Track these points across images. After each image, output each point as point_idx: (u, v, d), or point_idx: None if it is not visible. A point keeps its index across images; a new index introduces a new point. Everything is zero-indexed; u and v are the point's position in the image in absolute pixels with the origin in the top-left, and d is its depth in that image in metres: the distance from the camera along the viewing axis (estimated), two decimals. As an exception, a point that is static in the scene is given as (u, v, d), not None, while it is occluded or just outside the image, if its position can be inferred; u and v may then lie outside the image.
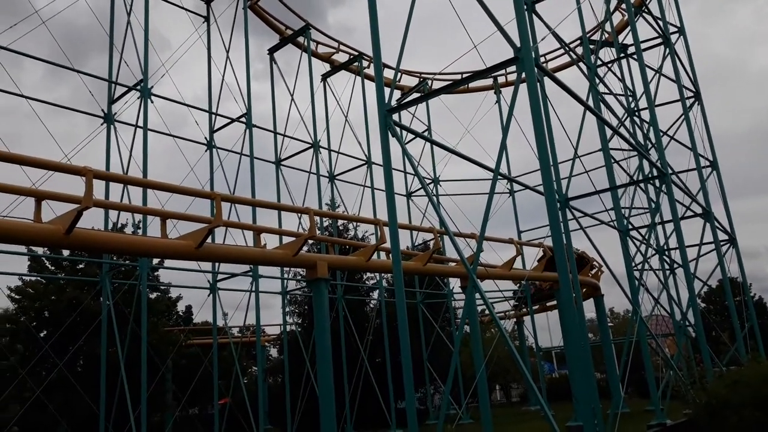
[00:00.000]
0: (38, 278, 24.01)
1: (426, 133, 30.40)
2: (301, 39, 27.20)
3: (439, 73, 30.65)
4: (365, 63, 29.31)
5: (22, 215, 10.25)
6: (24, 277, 23.63)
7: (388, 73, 18.74)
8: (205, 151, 22.26)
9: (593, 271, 25.77)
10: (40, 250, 22.73)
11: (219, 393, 20.78)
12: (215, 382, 20.16)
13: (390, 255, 15.78)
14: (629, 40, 20.28)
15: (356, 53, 29.29)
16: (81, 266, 24.27)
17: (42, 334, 22.48)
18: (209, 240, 11.96)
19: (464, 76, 24.62)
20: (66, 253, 22.58)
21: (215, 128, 22.80)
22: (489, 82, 33.60)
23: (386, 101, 10.63)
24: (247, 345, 31.65)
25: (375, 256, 15.94)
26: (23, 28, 16.72)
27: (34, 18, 17.39)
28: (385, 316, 24.61)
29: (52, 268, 24.85)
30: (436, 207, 11.96)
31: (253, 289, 20.19)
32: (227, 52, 23.24)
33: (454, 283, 29.38)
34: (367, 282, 30.00)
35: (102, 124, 19.10)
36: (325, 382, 12.94)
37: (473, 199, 32.81)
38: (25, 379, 18.12)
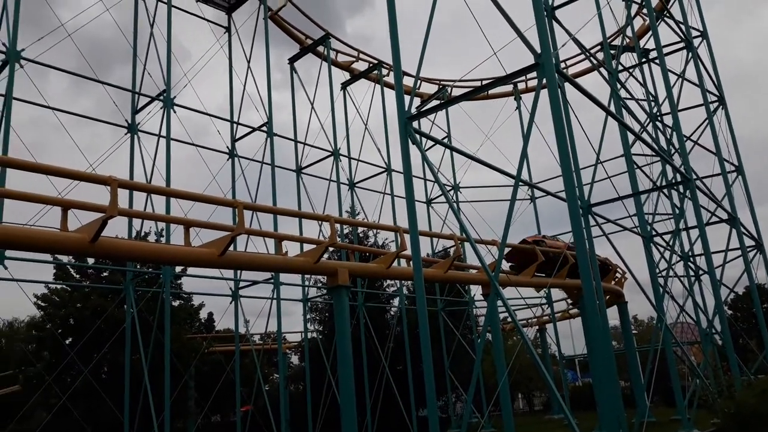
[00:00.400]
0: (63, 286, 24.40)
1: (446, 140, 30.38)
2: (320, 48, 27.38)
3: (459, 80, 30.62)
4: (384, 71, 29.39)
5: (48, 224, 10.47)
6: (50, 285, 24.04)
7: (408, 81, 18.78)
8: (227, 159, 22.48)
9: (617, 278, 25.48)
10: (64, 258, 23.10)
11: (241, 400, 20.88)
12: (237, 389, 20.25)
13: (411, 262, 15.79)
14: (651, 44, 20.07)
15: (375, 61, 29.40)
16: (105, 274, 24.61)
17: (67, 342, 22.80)
18: (231, 248, 12.06)
19: (484, 82, 24.57)
20: (90, 261, 22.92)
21: (237, 137, 23.02)
22: (509, 88, 33.48)
23: (406, 109, 10.68)
24: (268, 352, 31.78)
25: (395, 264, 15.94)
26: (49, 41, 17.09)
27: (58, 30, 17.77)
28: (406, 324, 24.53)
29: (77, 276, 25.23)
30: (457, 214, 11.91)
31: (275, 296, 20.28)
32: (248, 62, 23.47)
33: (476, 291, 29.24)
34: (387, 289, 29.97)
35: (126, 134, 19.42)
36: (347, 389, 12.94)
37: (493, 206, 32.70)
38: (51, 385, 18.39)
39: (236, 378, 20.18)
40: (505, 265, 19.99)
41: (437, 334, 27.08)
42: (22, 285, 16.06)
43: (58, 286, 24.31)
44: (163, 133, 18.82)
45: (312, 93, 26.60)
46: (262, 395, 20.67)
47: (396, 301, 29.42)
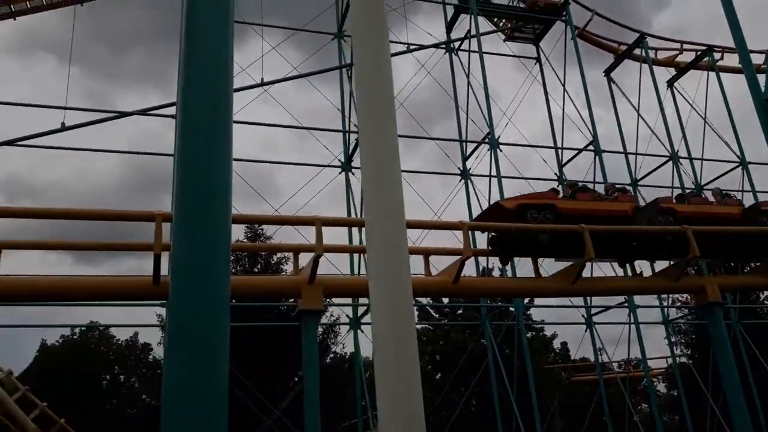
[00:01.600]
0: (427, 325, 27.07)
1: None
2: (636, 51, 25.66)
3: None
4: (716, 56, 26.01)
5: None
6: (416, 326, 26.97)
7: (754, 59, 16.10)
8: (558, 185, 22.28)
9: None
10: (422, 300, 25.63)
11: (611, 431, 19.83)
12: (607, 419, 19.27)
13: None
14: None
15: (704, 47, 26.25)
16: (459, 312, 26.52)
17: (437, 376, 25.05)
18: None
19: None
20: (445, 300, 24.99)
21: (563, 162, 22.78)
22: None
23: (763, 90, 9.29)
24: (631, 380, 29.83)
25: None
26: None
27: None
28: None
29: (436, 315, 27.74)
30: None
31: (632, 320, 19.04)
32: (563, 85, 23.21)
33: None
34: (766, 302, 25.56)
35: (460, 181, 20.80)
36: (742, 424, 11.20)
37: None
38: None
39: (604, 408, 19.23)
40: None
41: None
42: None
43: (423, 325, 27.08)
44: (493, 173, 19.64)
45: (635, 99, 25.06)
46: (635, 426, 19.29)
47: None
